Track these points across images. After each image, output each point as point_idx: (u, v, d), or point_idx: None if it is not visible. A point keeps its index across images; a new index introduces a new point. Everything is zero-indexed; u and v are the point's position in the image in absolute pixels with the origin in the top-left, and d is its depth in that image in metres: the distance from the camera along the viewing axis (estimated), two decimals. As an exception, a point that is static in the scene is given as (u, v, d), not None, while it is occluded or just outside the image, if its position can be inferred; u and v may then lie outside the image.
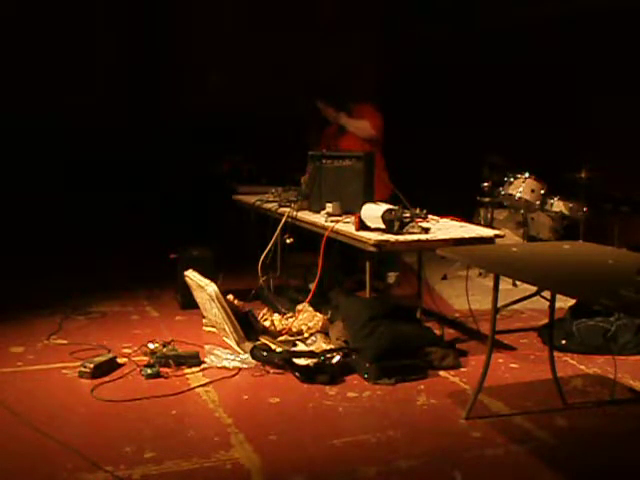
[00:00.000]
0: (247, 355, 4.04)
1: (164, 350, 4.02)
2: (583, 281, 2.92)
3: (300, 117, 6.04)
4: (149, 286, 5.82)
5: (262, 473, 2.87)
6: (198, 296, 4.66)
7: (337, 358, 3.89)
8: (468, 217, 5.56)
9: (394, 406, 3.53)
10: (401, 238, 4.07)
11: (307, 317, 4.53)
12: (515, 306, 3.51)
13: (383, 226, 4.13)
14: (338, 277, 5.35)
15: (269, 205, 5.29)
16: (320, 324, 4.46)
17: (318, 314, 4.55)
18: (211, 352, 4.09)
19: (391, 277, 5.50)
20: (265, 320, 4.58)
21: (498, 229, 5.60)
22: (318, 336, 4.31)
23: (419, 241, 4.09)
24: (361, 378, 3.84)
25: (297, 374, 3.82)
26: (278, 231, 4.95)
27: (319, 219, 4.67)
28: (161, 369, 3.88)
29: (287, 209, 5.01)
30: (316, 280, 4.55)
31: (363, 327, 4.02)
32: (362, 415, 3.44)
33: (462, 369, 4.03)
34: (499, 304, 3.30)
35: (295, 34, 8.39)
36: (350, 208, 4.53)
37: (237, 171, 7.47)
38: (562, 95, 7.15)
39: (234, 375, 3.89)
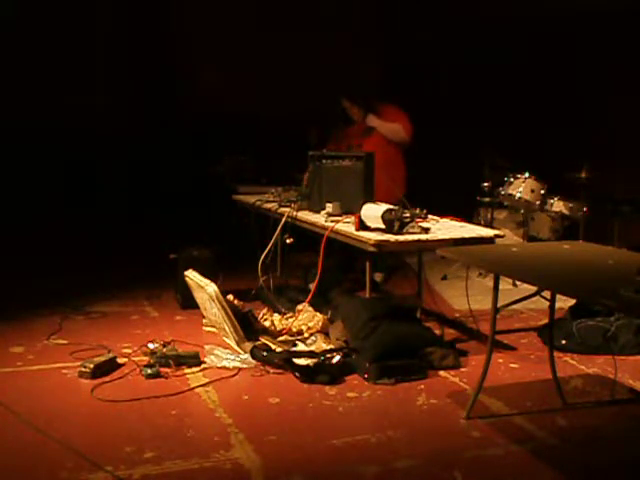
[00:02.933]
0: (247, 355, 4.04)
1: (164, 350, 4.02)
2: (583, 281, 2.92)
3: (300, 117, 6.03)
4: (149, 286, 5.81)
5: (262, 473, 2.87)
6: (198, 296, 4.66)
7: (337, 358, 3.90)
8: (468, 217, 5.56)
9: (394, 406, 3.53)
10: (401, 238, 4.07)
11: (307, 317, 4.53)
12: (515, 306, 3.51)
13: (383, 226, 4.13)
14: (338, 277, 5.34)
15: (269, 205, 5.29)
16: (320, 324, 4.46)
17: (318, 314, 4.55)
18: (211, 352, 4.09)
19: (377, 277, 5.49)
20: (265, 320, 4.58)
21: (498, 229, 5.60)
22: (318, 336, 4.31)
23: (419, 241, 4.09)
24: (361, 378, 3.84)
25: (297, 374, 3.82)
26: (278, 231, 4.95)
27: (319, 219, 4.67)
28: (161, 369, 3.88)
29: (287, 209, 5.01)
30: (316, 280, 4.55)
31: (363, 327, 4.02)
32: (362, 415, 3.44)
33: (462, 369, 4.03)
34: (499, 304, 3.30)
35: (295, 34, 8.39)
36: (350, 208, 4.53)
37: (237, 171, 7.47)
38: (562, 95, 7.15)
39: (234, 375, 3.89)
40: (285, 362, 3.91)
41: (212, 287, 4.28)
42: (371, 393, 3.67)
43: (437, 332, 4.42)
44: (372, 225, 4.21)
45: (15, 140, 7.67)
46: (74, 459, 2.92)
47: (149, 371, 3.84)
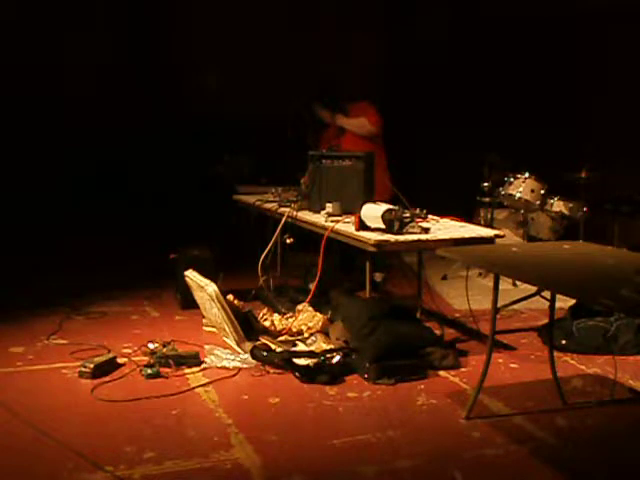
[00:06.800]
0: (247, 355, 4.04)
1: (164, 350, 4.02)
2: (583, 281, 2.91)
3: (300, 117, 6.04)
4: (149, 286, 5.81)
5: (262, 473, 2.87)
6: (198, 296, 4.66)
7: (337, 358, 3.89)
8: (468, 217, 5.56)
9: (394, 406, 3.53)
10: (401, 238, 4.07)
11: (307, 317, 4.53)
12: (515, 306, 3.51)
13: (383, 226, 4.13)
14: (338, 277, 5.35)
15: (269, 205, 5.29)
16: (320, 324, 4.46)
17: (318, 314, 4.55)
18: (211, 352, 4.09)
19: (377, 277, 5.50)
20: (265, 320, 4.58)
21: (498, 229, 5.60)
22: (318, 336, 4.31)
23: (419, 241, 4.09)
24: (361, 378, 3.84)
25: (297, 374, 3.82)
26: (278, 231, 4.95)
27: (319, 219, 4.67)
28: (161, 369, 3.88)
29: (287, 209, 5.01)
30: (316, 280, 4.55)
31: (363, 327, 4.02)
32: (362, 415, 3.44)
33: (462, 369, 4.03)
34: (499, 304, 3.30)
35: (295, 34, 8.39)
36: (350, 208, 4.53)
37: (237, 171, 7.47)
38: (562, 95, 7.15)
39: (234, 375, 3.89)
40: (285, 362, 3.91)
41: (212, 287, 4.28)
42: (371, 393, 3.67)
43: (437, 332, 4.42)
44: (372, 225, 4.21)
45: (15, 139, 7.67)
46: (74, 459, 2.92)
47: (149, 371, 3.84)
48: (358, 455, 3.01)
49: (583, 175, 6.13)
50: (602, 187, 6.18)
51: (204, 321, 4.74)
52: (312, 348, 4.17)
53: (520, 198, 6.23)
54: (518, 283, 5.56)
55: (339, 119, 5.60)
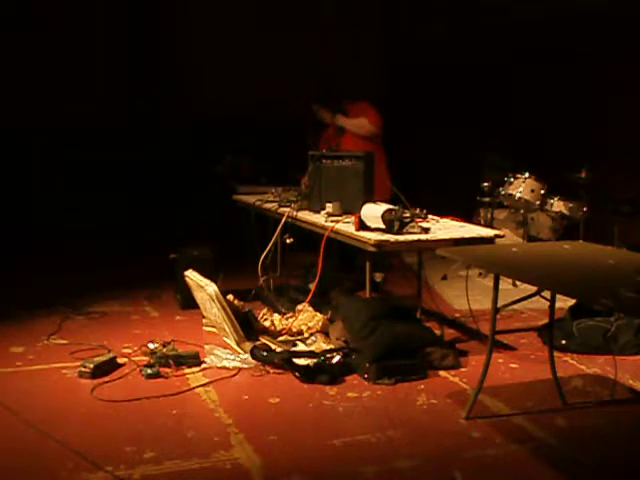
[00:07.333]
0: (247, 355, 4.04)
1: (164, 350, 4.02)
2: (583, 281, 2.91)
3: (299, 117, 6.05)
4: (149, 286, 5.81)
5: (262, 473, 2.87)
6: (198, 296, 4.65)
7: (337, 358, 3.89)
8: (468, 217, 5.56)
9: (394, 406, 3.53)
10: (401, 238, 4.07)
11: (307, 317, 4.53)
12: (515, 306, 3.51)
13: (383, 226, 4.13)
14: (338, 277, 5.34)
15: (269, 205, 5.29)
16: (320, 324, 4.46)
17: (318, 314, 4.55)
18: (211, 352, 4.10)
19: (378, 277, 5.50)
20: (265, 320, 4.58)
21: (498, 229, 5.60)
22: (318, 336, 4.31)
23: (419, 241, 4.09)
24: (361, 378, 3.84)
25: (297, 374, 3.82)
26: (278, 231, 4.96)
27: (319, 219, 4.67)
28: (161, 369, 3.88)
29: (287, 209, 5.01)
30: (316, 280, 4.55)
31: (363, 327, 4.02)
32: (362, 415, 3.44)
33: (462, 369, 4.03)
34: (499, 304, 3.30)
35: (295, 34, 8.39)
36: (350, 208, 4.53)
37: (237, 171, 7.47)
38: (562, 95, 7.15)
39: (234, 375, 3.89)
40: (285, 362, 3.91)
41: (212, 287, 4.28)
42: (371, 393, 3.67)
43: (437, 332, 4.42)
44: (372, 225, 4.21)
45: (15, 140, 7.68)
46: (74, 459, 2.92)
47: (149, 371, 3.84)
48: (358, 455, 3.01)
49: (583, 175, 6.13)
50: (602, 187, 6.17)
51: (204, 321, 4.73)
52: (312, 348, 4.17)
53: (520, 198, 6.23)
54: (518, 283, 5.56)
55: (339, 119, 5.60)
